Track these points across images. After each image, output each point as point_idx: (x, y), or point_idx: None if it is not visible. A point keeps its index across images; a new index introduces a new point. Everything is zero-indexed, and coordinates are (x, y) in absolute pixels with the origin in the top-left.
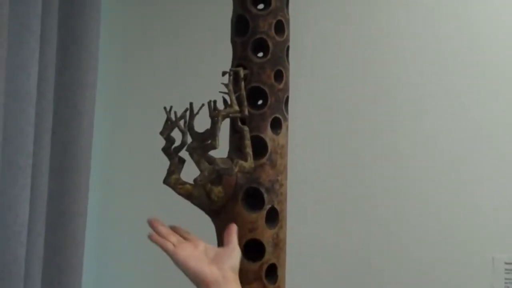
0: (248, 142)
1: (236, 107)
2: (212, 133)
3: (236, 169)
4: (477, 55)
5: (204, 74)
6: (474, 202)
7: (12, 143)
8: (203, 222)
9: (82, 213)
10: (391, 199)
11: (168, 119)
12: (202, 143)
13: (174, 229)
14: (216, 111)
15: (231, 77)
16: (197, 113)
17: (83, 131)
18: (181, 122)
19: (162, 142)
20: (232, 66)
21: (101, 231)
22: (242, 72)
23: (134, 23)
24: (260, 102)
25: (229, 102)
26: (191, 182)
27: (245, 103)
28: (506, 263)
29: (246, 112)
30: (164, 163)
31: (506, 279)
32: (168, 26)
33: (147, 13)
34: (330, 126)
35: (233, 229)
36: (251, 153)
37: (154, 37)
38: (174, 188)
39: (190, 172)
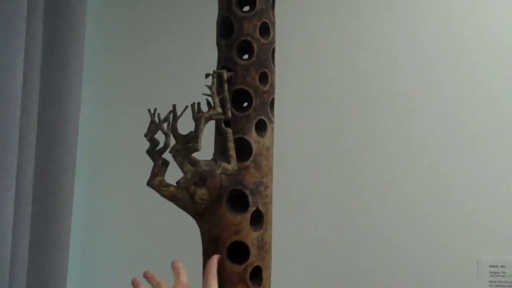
0: (231, 144)
1: (219, 109)
2: (195, 135)
3: (219, 171)
4: (470, 55)
5: (190, 76)
6: (459, 204)
7: None
8: (190, 223)
9: (67, 215)
10: (377, 200)
11: (152, 121)
12: (186, 145)
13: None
14: (199, 114)
15: (215, 79)
16: (181, 115)
17: (68, 132)
18: (165, 125)
19: (147, 144)
20: (217, 68)
21: (86, 232)
22: (225, 74)
23: (119, 25)
24: (245, 104)
25: (212, 105)
26: (176, 184)
27: (229, 105)
28: (491, 266)
29: (229, 115)
30: (150, 165)
31: (490, 281)
32: (154, 28)
33: (132, 14)
34: (317, 128)
35: (212, 264)
36: (234, 155)
37: (139, 38)
38: (158, 190)
39: (176, 175)
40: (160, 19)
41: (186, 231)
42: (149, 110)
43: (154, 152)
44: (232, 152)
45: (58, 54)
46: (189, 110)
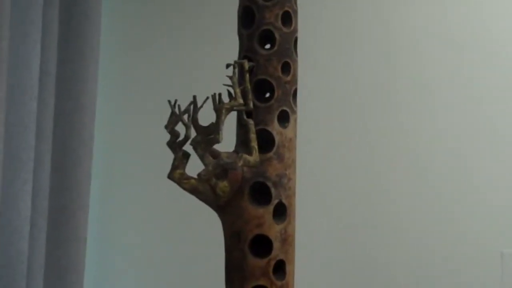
0: (253, 136)
1: (241, 100)
2: (216, 127)
3: (240, 163)
4: (494, 49)
5: (210, 67)
6: (483, 197)
7: (14, 137)
8: (210, 216)
9: (84, 208)
10: (400, 194)
11: (173, 112)
12: (206, 137)
13: None
14: (220, 104)
15: (236, 70)
16: (201, 106)
17: (84, 124)
18: (186, 116)
19: (165, 136)
20: (239, 58)
21: (103, 225)
22: (247, 64)
23: (136, 14)
24: (267, 95)
25: (233, 95)
26: (196, 177)
27: (250, 96)
28: None
29: (251, 105)
30: (167, 157)
31: None
32: (173, 17)
33: (150, 3)
34: (340, 119)
35: None
36: (256, 146)
37: (158, 28)
38: (178, 183)
39: (197, 167)
40: (179, 8)
41: (206, 224)
42: (169, 102)
43: (174, 144)
44: (254, 144)
45: (73, 45)
46: (210, 101)
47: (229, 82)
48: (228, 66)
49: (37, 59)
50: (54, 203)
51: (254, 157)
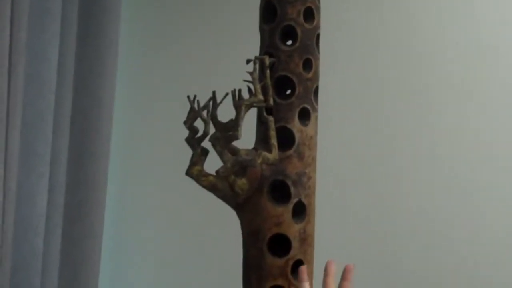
0: (273, 133)
1: (261, 97)
2: (235, 123)
3: (259, 160)
4: None
5: (230, 62)
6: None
7: (31, 130)
8: (228, 214)
9: (101, 205)
10: (420, 193)
11: (192, 108)
12: (225, 134)
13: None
14: (240, 101)
15: (257, 65)
16: (221, 102)
17: (102, 120)
18: (205, 112)
19: (182, 132)
20: (260, 54)
21: (119, 223)
22: (267, 60)
23: (155, 10)
24: (288, 92)
25: (253, 92)
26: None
27: (270, 92)
28: None
29: (271, 102)
30: (185, 153)
31: None
32: (193, 13)
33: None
34: (361, 118)
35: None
36: (276, 144)
37: (177, 24)
38: (197, 180)
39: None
40: (200, 2)
41: (223, 222)
42: (188, 97)
43: (193, 140)
44: (274, 141)
45: (92, 40)
46: (229, 98)
47: (249, 78)
48: (248, 61)
49: (55, 52)
50: (70, 199)
51: (273, 155)
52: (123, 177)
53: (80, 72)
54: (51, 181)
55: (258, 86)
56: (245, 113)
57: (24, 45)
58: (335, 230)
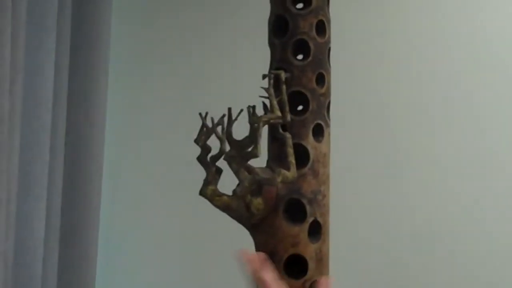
0: (290, 150)
1: (278, 113)
2: (253, 140)
3: (279, 179)
4: None
5: (225, 79)
6: None
7: (28, 151)
8: (232, 235)
9: (94, 227)
10: (437, 209)
11: (204, 125)
12: (241, 151)
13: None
14: (258, 117)
15: (272, 81)
16: (236, 119)
17: (94, 139)
18: (218, 129)
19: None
20: (271, 69)
21: (112, 245)
22: (283, 75)
23: (152, 22)
24: (300, 107)
25: (269, 108)
26: (228, 193)
27: (287, 108)
28: None
29: (289, 118)
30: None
31: None
32: (190, 24)
33: (168, 10)
34: (372, 133)
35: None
36: (294, 162)
37: (171, 36)
38: (211, 200)
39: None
40: (199, 15)
41: (230, 245)
42: (200, 114)
43: (205, 159)
44: (292, 159)
45: (84, 55)
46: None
47: (264, 93)
48: (264, 77)
49: (51, 68)
50: (65, 221)
51: (292, 173)
52: (115, 196)
53: (72, 89)
54: (48, 203)
55: (275, 102)
56: (262, 130)
57: (22, 64)
58: (345, 249)
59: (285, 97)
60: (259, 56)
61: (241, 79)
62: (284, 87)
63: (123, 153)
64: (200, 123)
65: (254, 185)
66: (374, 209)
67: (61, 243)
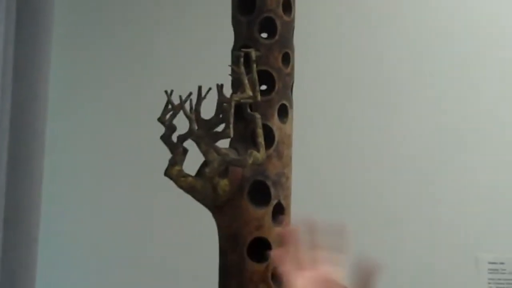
0: (260, 131)
1: (250, 92)
2: (224, 120)
3: (250, 160)
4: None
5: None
6: (458, 200)
7: None
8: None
9: (37, 205)
10: (395, 191)
11: (170, 103)
12: (209, 131)
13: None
14: (229, 97)
15: (242, 59)
16: (204, 97)
17: (37, 115)
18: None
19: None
20: (235, 47)
21: (55, 226)
22: (254, 54)
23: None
24: (264, 87)
25: (240, 87)
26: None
27: (258, 87)
28: (490, 263)
29: (259, 97)
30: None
31: (489, 279)
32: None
33: None
34: (334, 114)
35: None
36: (263, 143)
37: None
38: (176, 180)
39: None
40: None
41: (195, 225)
42: (166, 92)
43: (170, 138)
44: (261, 139)
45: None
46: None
47: (229, 71)
48: (236, 55)
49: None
50: (9, 201)
51: (261, 154)
52: (59, 175)
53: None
54: None
55: (247, 81)
56: (233, 109)
57: None
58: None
59: (255, 76)
60: (219, 33)
61: (204, 57)
62: (254, 66)
63: (67, 129)
64: (160, 102)
65: (222, 166)
66: (334, 192)
67: (5, 223)
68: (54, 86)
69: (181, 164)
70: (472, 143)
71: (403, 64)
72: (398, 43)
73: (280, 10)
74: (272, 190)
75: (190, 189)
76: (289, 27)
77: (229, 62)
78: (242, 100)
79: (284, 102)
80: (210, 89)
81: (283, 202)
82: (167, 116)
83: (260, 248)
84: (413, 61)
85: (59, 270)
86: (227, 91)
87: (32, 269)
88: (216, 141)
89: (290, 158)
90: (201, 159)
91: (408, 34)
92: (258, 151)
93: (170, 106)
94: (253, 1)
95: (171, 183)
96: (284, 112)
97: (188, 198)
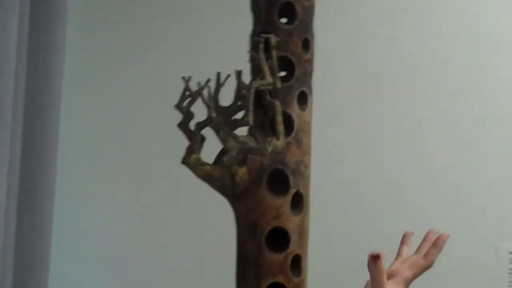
0: (280, 118)
1: (270, 79)
2: (244, 107)
3: (270, 149)
4: None
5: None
6: (478, 190)
7: None
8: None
9: (50, 196)
10: (408, 185)
11: (188, 89)
12: (228, 119)
13: None
14: (248, 84)
15: (262, 45)
16: (223, 84)
17: (51, 101)
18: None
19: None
20: (255, 33)
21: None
22: (273, 40)
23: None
24: (283, 73)
25: (260, 73)
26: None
27: (278, 74)
28: (511, 253)
29: (279, 85)
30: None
31: (510, 269)
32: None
33: None
34: (350, 106)
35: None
36: (283, 130)
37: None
38: (193, 169)
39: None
40: None
41: (210, 215)
42: (183, 78)
43: (187, 126)
44: (281, 127)
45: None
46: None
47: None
48: (255, 41)
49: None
50: (23, 189)
51: (281, 142)
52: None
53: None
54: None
55: (266, 68)
56: (253, 96)
57: None
58: (322, 223)
59: (275, 62)
60: (238, 19)
61: (222, 43)
62: (274, 52)
63: (82, 116)
64: (177, 89)
65: (241, 154)
66: (352, 182)
67: (19, 212)
68: (69, 71)
69: (199, 152)
70: (493, 133)
71: (422, 51)
72: (420, 31)
73: None
74: (291, 179)
75: (207, 178)
76: (310, 12)
77: (248, 48)
78: (261, 87)
79: (304, 89)
80: (229, 75)
81: (302, 191)
82: (185, 103)
83: (279, 238)
84: (433, 50)
85: (72, 258)
86: (246, 78)
87: (45, 257)
88: (235, 128)
89: (310, 146)
90: (216, 147)
91: (431, 22)
92: (278, 139)
93: (187, 93)
94: None
95: (188, 175)
96: (303, 99)
97: (205, 189)
